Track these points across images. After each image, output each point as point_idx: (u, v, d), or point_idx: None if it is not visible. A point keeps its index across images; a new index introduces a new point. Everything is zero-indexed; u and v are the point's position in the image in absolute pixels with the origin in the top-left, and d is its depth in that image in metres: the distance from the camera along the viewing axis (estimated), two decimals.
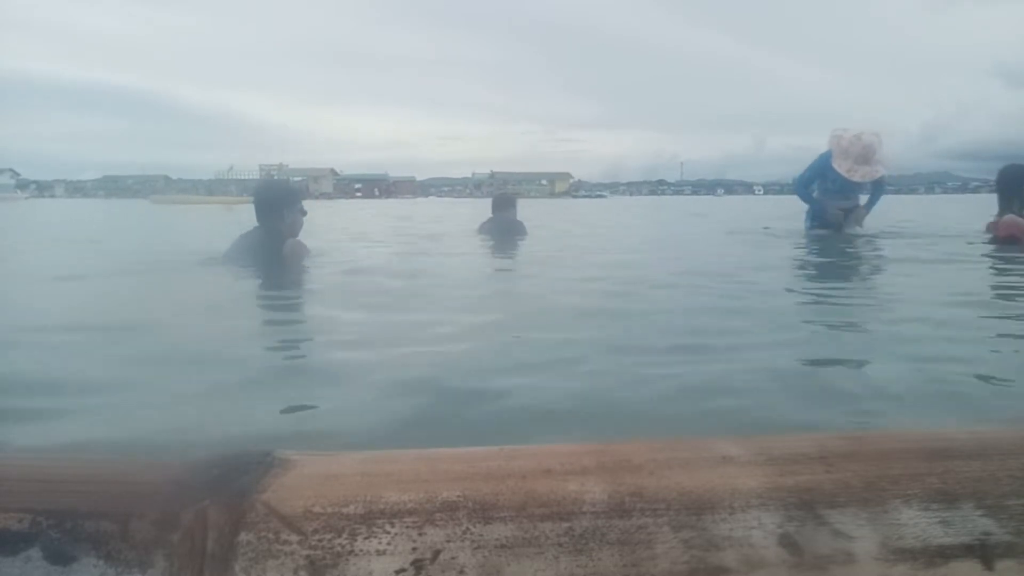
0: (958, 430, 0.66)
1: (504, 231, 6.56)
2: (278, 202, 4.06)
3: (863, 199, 6.48)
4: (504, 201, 6.97)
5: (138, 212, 19.64)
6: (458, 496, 0.54)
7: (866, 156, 6.10)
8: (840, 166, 6.13)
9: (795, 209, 7.19)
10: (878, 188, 6.46)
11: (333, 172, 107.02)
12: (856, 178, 6.11)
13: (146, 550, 0.51)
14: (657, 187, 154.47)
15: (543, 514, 0.53)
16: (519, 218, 6.84)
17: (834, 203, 6.32)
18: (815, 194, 6.50)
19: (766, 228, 7.77)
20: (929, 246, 5.36)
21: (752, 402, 1.55)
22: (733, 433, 0.85)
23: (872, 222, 6.57)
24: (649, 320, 2.57)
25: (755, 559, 0.52)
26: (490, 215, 6.87)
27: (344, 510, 0.53)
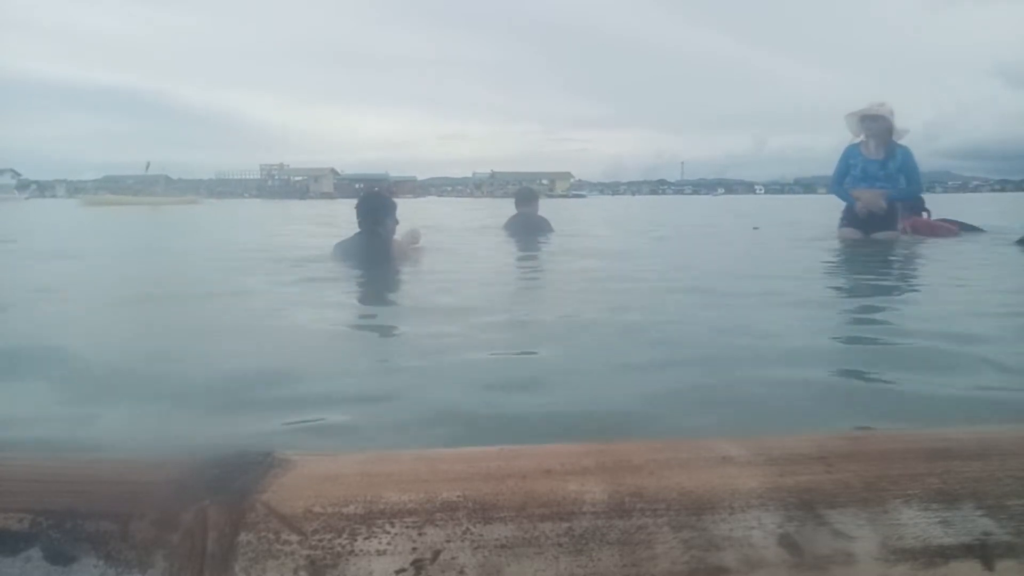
0: (958, 430, 0.66)
1: (530, 227, 6.57)
2: (382, 210, 4.45)
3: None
4: (527, 196, 7.00)
5: (87, 214, 18.90)
6: (458, 496, 0.54)
7: (884, 107, 5.90)
8: (856, 112, 5.94)
9: (791, 209, 7.12)
10: (914, 179, 5.98)
11: (333, 172, 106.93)
12: (878, 112, 5.83)
13: (146, 550, 0.51)
14: (658, 187, 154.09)
15: (543, 514, 0.53)
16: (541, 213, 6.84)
17: (860, 192, 5.97)
18: (852, 194, 6.09)
19: (755, 228, 7.67)
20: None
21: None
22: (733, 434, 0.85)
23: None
24: None
25: (755, 559, 0.52)
26: (514, 212, 6.90)
27: (344, 510, 0.53)
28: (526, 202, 6.88)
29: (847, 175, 6.15)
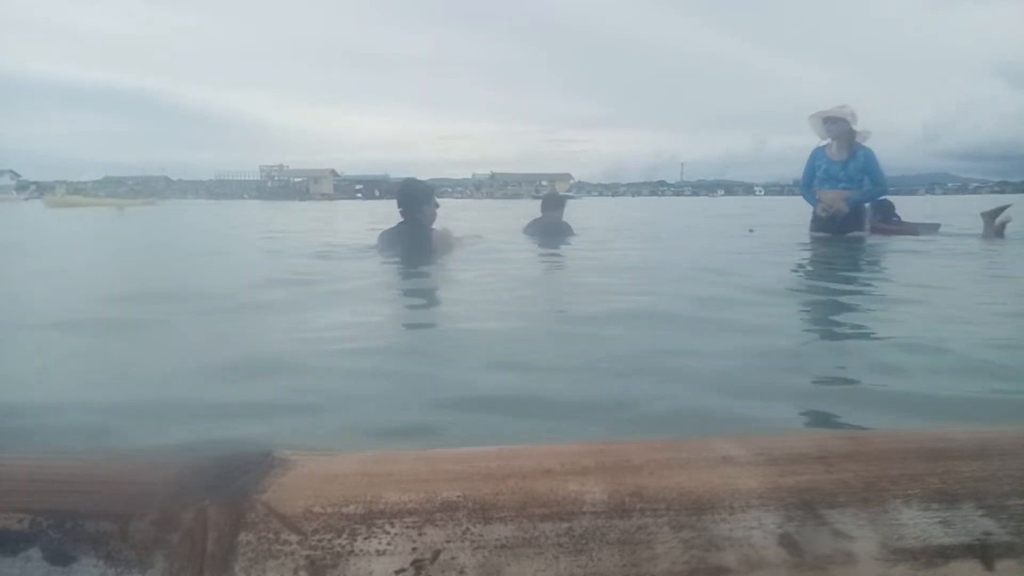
0: (958, 430, 0.66)
1: (551, 231, 6.68)
2: (419, 198, 4.75)
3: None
4: (554, 202, 7.13)
5: (47, 215, 18.75)
6: (458, 496, 0.54)
7: (854, 114, 6.01)
8: (819, 114, 6.05)
9: (789, 210, 7.16)
10: (877, 180, 6.08)
11: (333, 173, 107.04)
12: (838, 114, 5.97)
13: (146, 550, 0.51)
14: (657, 188, 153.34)
15: (543, 514, 0.53)
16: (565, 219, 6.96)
17: (824, 192, 6.10)
18: (817, 195, 6.27)
19: (751, 231, 7.71)
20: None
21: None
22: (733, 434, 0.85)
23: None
24: None
25: (755, 559, 0.52)
26: (538, 215, 7.00)
27: (344, 510, 0.53)
28: (552, 207, 7.00)
29: (814, 177, 6.28)
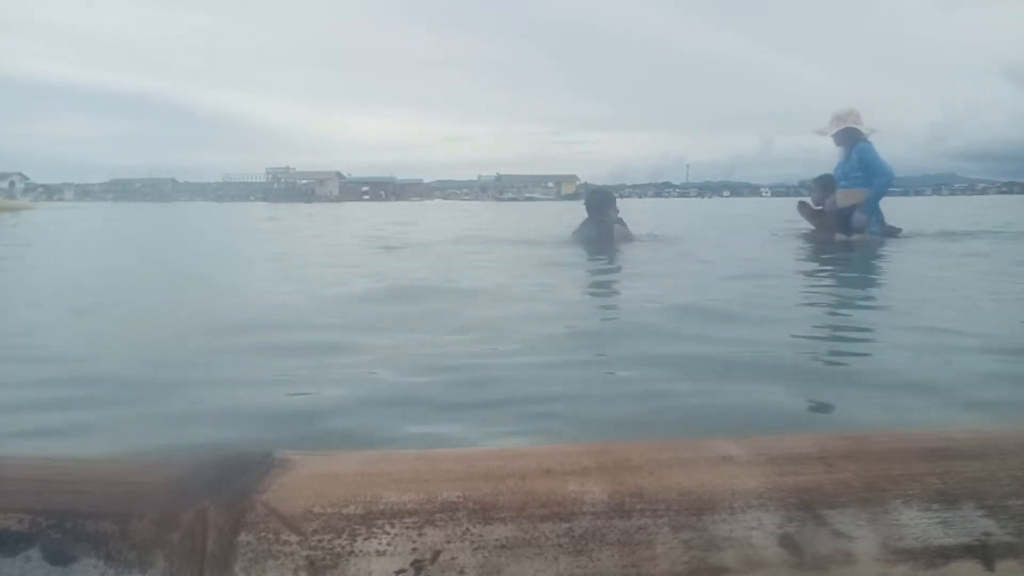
0: (958, 430, 0.66)
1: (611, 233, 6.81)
2: (604, 203, 6.25)
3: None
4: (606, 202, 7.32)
5: None
6: (458, 496, 0.54)
7: (840, 116, 6.20)
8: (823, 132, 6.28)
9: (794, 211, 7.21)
10: (874, 172, 6.06)
11: (339, 175, 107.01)
12: (829, 132, 6.19)
13: (146, 550, 0.51)
14: (663, 189, 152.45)
15: (543, 514, 0.53)
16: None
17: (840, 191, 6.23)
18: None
19: (773, 235, 7.73)
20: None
21: None
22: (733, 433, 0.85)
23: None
24: None
25: (755, 559, 0.52)
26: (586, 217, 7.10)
27: (344, 510, 0.53)
28: (603, 207, 7.10)
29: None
